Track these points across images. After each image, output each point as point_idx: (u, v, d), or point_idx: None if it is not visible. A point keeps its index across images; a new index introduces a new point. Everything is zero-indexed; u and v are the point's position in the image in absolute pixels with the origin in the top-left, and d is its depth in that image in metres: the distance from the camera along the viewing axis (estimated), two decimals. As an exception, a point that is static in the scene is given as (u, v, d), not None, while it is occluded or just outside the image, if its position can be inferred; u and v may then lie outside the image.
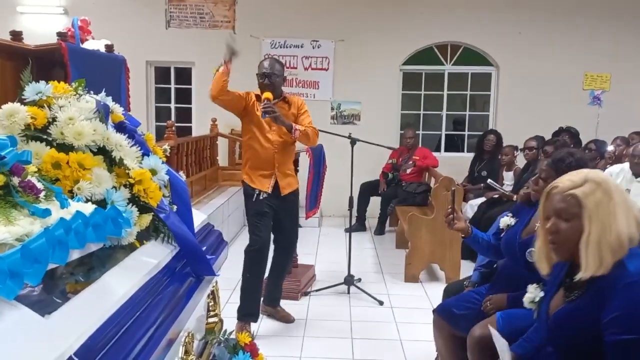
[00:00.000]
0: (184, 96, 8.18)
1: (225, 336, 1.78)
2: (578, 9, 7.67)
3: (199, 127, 7.83)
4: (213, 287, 1.88)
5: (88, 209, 1.00)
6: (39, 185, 0.97)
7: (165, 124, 6.00)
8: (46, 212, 0.90)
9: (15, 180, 0.94)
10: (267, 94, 3.42)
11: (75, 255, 0.96)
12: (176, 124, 6.41)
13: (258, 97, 3.55)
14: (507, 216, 2.70)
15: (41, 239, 0.80)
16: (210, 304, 1.87)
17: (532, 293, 1.92)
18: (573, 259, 1.64)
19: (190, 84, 8.10)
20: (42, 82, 1.33)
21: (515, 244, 2.49)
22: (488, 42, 7.84)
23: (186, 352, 1.46)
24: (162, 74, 8.18)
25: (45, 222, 0.88)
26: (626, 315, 1.49)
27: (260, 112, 3.46)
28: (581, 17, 7.67)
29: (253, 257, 3.58)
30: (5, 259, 0.72)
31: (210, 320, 1.89)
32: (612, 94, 7.81)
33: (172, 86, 8.17)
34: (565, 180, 1.64)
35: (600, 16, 7.66)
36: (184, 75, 8.15)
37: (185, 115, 8.21)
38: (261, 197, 3.55)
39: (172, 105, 8.22)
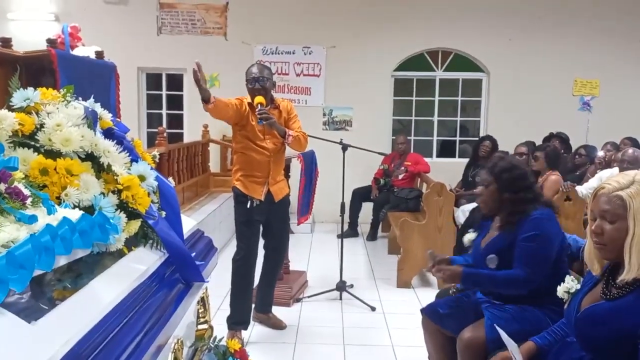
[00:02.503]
0: (176, 102, 8.18)
1: (215, 343, 1.77)
2: (567, 16, 7.74)
3: (191, 134, 7.82)
4: (203, 293, 1.88)
5: (75, 215, 1.00)
6: (26, 192, 0.97)
7: (156, 130, 5.99)
8: (32, 219, 0.90)
9: (2, 186, 0.94)
10: (260, 98, 3.36)
11: (62, 261, 0.95)
12: (167, 131, 6.41)
13: (251, 106, 3.48)
14: (470, 232, 2.83)
15: (27, 245, 0.80)
16: (200, 310, 1.87)
17: (569, 284, 1.92)
18: (618, 260, 1.64)
19: (182, 91, 8.10)
20: (30, 89, 1.33)
21: (479, 254, 2.55)
22: (479, 48, 7.90)
23: (175, 359, 1.46)
24: (153, 80, 8.17)
25: (32, 229, 0.88)
26: None
27: (254, 121, 3.42)
28: (570, 24, 7.74)
29: (240, 266, 3.57)
30: (-10, 265, 0.72)
31: (200, 327, 1.88)
32: (602, 100, 7.88)
33: (164, 92, 8.16)
34: (613, 181, 1.64)
35: (589, 23, 7.73)
36: (175, 81, 8.14)
37: (176, 121, 8.20)
38: (254, 205, 3.50)
39: (164, 112, 8.21)
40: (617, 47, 7.78)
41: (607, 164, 5.14)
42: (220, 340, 1.80)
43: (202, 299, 1.89)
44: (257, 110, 3.33)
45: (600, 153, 5.41)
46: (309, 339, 3.69)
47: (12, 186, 0.94)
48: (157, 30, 7.83)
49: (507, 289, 2.41)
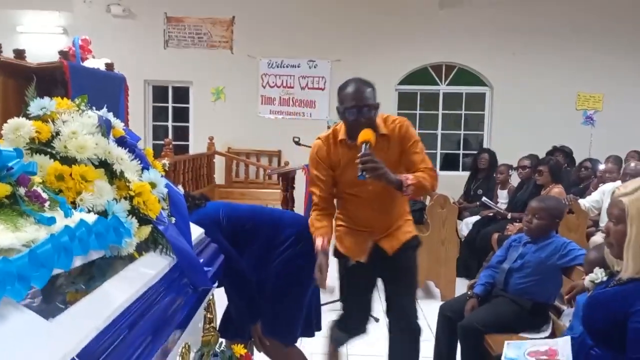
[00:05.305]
0: (182, 115, 8.27)
1: (221, 348, 1.80)
2: (571, 30, 7.82)
3: (196, 146, 7.90)
4: (209, 299, 1.91)
5: (91, 218, 1.04)
6: (44, 195, 1.01)
7: (162, 142, 6.06)
8: (51, 220, 0.94)
9: (22, 190, 0.98)
10: (367, 134, 2.27)
11: (78, 262, 0.99)
12: (173, 142, 6.48)
13: (343, 143, 2.48)
14: None
15: (47, 244, 0.84)
16: (207, 316, 1.90)
17: (596, 275, 2.02)
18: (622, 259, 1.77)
19: (188, 103, 8.18)
20: (46, 98, 1.38)
21: None
22: (482, 63, 7.97)
23: (183, 363, 1.49)
24: (160, 92, 8.27)
25: (51, 230, 0.92)
26: None
27: (350, 166, 2.40)
28: (574, 38, 7.82)
29: (333, 330, 2.85)
30: (14, 262, 0.76)
31: (207, 333, 1.91)
32: (605, 114, 7.93)
33: (170, 105, 8.26)
34: (623, 186, 1.79)
35: (592, 37, 7.80)
36: (181, 94, 8.24)
37: (182, 133, 8.29)
38: (349, 265, 2.65)
39: (170, 124, 8.30)
40: (621, 61, 7.84)
41: (610, 177, 5.15)
42: (227, 345, 1.83)
43: (209, 305, 1.93)
44: (360, 154, 2.23)
45: (602, 166, 5.44)
46: (312, 349, 3.70)
47: (32, 190, 0.99)
48: (164, 44, 7.94)
49: None
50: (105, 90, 2.59)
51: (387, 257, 2.57)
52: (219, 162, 7.78)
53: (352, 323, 2.73)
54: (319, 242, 2.43)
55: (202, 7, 7.85)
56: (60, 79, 2.29)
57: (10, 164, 0.99)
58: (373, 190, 2.44)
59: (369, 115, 2.36)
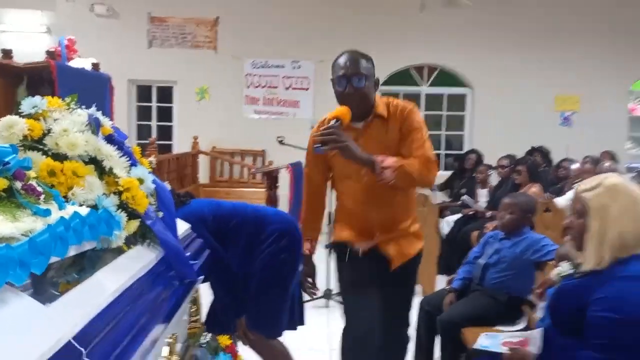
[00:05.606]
0: (166, 114, 8.29)
1: (207, 339, 1.86)
2: (550, 33, 7.99)
3: (181, 145, 7.92)
4: (195, 293, 1.97)
5: (84, 210, 1.10)
6: (39, 189, 1.07)
7: (147, 141, 6.09)
8: (47, 212, 1.00)
9: (18, 184, 1.03)
10: (340, 110, 2.08)
11: (72, 251, 1.05)
12: (157, 142, 6.50)
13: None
14: None
15: (45, 234, 0.90)
16: (192, 309, 1.96)
17: (563, 268, 2.10)
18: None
19: (172, 103, 8.20)
20: (38, 97, 1.43)
21: None
22: (463, 64, 8.11)
23: (170, 352, 1.55)
24: (143, 92, 8.28)
25: (47, 221, 0.98)
26: (612, 298, 1.66)
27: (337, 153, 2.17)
28: (553, 40, 7.99)
29: (349, 346, 2.45)
30: (16, 249, 0.82)
31: (192, 325, 1.97)
32: (582, 115, 8.10)
33: (154, 104, 8.27)
34: (586, 181, 1.86)
35: (571, 40, 7.99)
36: (165, 94, 8.26)
37: (166, 133, 8.30)
38: (348, 253, 2.42)
39: (154, 124, 8.30)
40: (598, 62, 8.04)
41: (586, 177, 5.29)
42: (212, 337, 1.89)
43: (195, 299, 1.99)
44: (323, 127, 2.07)
45: (574, 166, 5.60)
46: (295, 345, 3.75)
47: (28, 183, 1.04)
48: (148, 43, 7.95)
49: None
50: (91, 90, 2.63)
51: (388, 270, 2.32)
52: (203, 162, 7.82)
53: (357, 327, 2.36)
54: (306, 246, 2.57)
55: (185, 7, 7.88)
56: (47, 78, 2.32)
57: (6, 159, 1.05)
58: (368, 181, 2.22)
59: (360, 85, 2.14)
